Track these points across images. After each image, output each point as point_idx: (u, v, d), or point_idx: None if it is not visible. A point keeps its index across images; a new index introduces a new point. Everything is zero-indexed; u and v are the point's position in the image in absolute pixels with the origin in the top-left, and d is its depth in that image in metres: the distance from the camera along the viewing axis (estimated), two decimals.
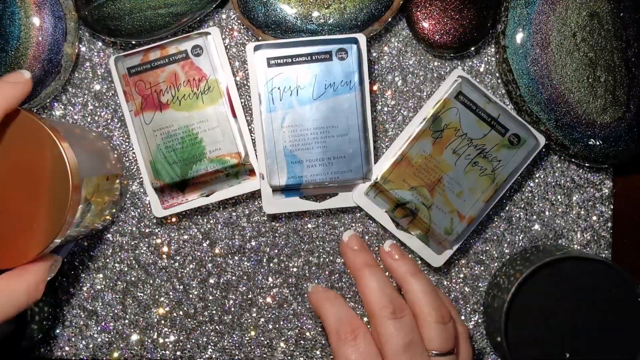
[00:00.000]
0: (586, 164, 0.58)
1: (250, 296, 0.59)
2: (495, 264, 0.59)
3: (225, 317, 0.59)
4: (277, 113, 0.54)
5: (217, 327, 0.59)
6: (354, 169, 0.55)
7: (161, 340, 0.59)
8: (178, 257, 0.59)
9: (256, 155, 0.56)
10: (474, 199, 0.55)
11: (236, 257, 0.59)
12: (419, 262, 0.59)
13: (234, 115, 0.56)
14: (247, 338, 0.59)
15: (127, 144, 0.59)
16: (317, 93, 0.54)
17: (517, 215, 0.59)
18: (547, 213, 0.59)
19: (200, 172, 0.55)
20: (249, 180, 0.57)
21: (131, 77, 0.55)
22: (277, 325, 0.59)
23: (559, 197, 0.59)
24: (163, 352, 0.59)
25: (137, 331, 0.59)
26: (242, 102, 0.58)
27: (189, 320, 0.59)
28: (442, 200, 0.54)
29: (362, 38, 0.54)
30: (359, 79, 0.54)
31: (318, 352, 0.59)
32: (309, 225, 0.59)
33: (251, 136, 0.58)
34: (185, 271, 0.59)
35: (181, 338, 0.59)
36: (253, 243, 0.59)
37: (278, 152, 0.55)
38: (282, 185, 0.55)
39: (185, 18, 0.55)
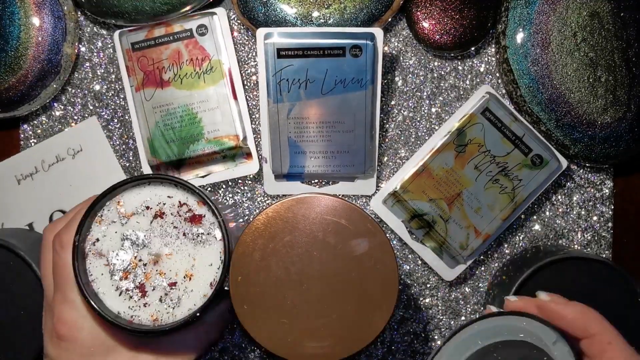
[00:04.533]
0: (587, 164, 0.58)
1: None
2: (496, 264, 0.59)
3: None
4: (284, 104, 0.54)
5: None
6: (356, 164, 0.55)
7: None
8: None
9: (253, 141, 0.56)
10: (491, 216, 0.54)
11: None
12: (431, 275, 0.59)
13: (235, 97, 0.56)
14: (248, 339, 0.59)
15: (125, 143, 0.59)
16: (326, 88, 0.53)
17: (518, 216, 0.59)
18: (547, 213, 0.59)
19: (197, 153, 0.55)
20: (246, 163, 0.57)
21: (134, 53, 0.55)
22: None
23: (559, 197, 0.59)
24: None
25: None
26: (243, 83, 0.58)
27: None
28: (460, 214, 0.54)
29: (379, 33, 0.53)
30: (371, 78, 0.53)
31: None
32: None
33: (251, 120, 0.57)
34: None
35: None
36: None
37: (282, 142, 0.54)
38: (284, 173, 0.55)
39: (186, 7, 0.55)
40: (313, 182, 0.58)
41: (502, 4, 0.56)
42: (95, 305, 0.43)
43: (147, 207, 0.46)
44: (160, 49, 0.55)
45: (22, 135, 0.59)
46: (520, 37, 0.55)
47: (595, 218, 0.59)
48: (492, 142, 0.54)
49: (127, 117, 0.58)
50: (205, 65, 0.55)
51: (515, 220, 0.59)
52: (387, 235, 0.58)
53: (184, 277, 0.45)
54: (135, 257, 0.46)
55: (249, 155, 0.56)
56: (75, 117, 0.59)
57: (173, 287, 0.45)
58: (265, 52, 0.53)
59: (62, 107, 0.59)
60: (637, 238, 0.60)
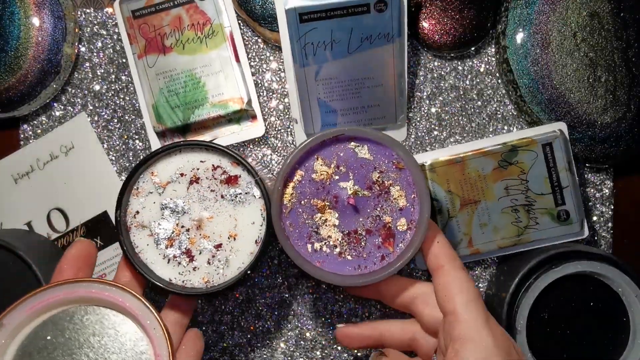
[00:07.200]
0: (587, 164, 0.58)
1: (250, 296, 0.59)
2: (495, 265, 0.59)
3: (225, 318, 0.59)
4: (310, 67, 0.53)
5: (217, 327, 0.59)
6: (387, 116, 0.54)
7: None
8: None
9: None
10: (491, 237, 0.54)
11: None
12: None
13: (237, 60, 0.56)
14: (247, 338, 0.59)
15: (126, 143, 0.59)
16: (352, 47, 0.52)
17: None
18: None
19: (203, 117, 0.55)
20: (251, 126, 0.57)
21: (135, 20, 0.55)
22: (277, 326, 0.59)
23: None
24: None
25: None
26: (245, 48, 0.58)
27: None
28: (465, 220, 0.54)
29: None
30: (398, 31, 0.52)
31: (318, 353, 0.59)
32: None
33: (255, 83, 0.57)
34: None
35: None
36: None
37: (312, 103, 0.54)
38: (317, 132, 0.55)
39: None
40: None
41: (502, 4, 0.56)
42: (146, 275, 0.45)
43: (182, 174, 0.47)
44: (161, 15, 0.55)
45: (22, 135, 0.59)
46: (520, 37, 0.55)
47: (595, 218, 0.59)
48: (535, 176, 0.53)
49: (127, 117, 0.59)
50: (206, 29, 0.55)
51: None
52: None
53: (229, 238, 0.47)
54: (177, 224, 0.47)
55: (254, 117, 0.57)
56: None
57: (219, 249, 0.47)
58: (287, 19, 0.51)
59: (62, 107, 0.59)
60: (637, 238, 0.60)
